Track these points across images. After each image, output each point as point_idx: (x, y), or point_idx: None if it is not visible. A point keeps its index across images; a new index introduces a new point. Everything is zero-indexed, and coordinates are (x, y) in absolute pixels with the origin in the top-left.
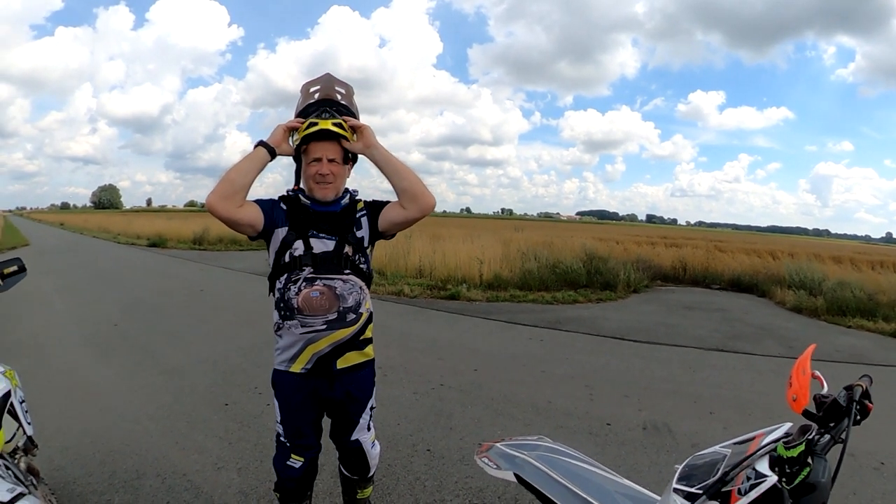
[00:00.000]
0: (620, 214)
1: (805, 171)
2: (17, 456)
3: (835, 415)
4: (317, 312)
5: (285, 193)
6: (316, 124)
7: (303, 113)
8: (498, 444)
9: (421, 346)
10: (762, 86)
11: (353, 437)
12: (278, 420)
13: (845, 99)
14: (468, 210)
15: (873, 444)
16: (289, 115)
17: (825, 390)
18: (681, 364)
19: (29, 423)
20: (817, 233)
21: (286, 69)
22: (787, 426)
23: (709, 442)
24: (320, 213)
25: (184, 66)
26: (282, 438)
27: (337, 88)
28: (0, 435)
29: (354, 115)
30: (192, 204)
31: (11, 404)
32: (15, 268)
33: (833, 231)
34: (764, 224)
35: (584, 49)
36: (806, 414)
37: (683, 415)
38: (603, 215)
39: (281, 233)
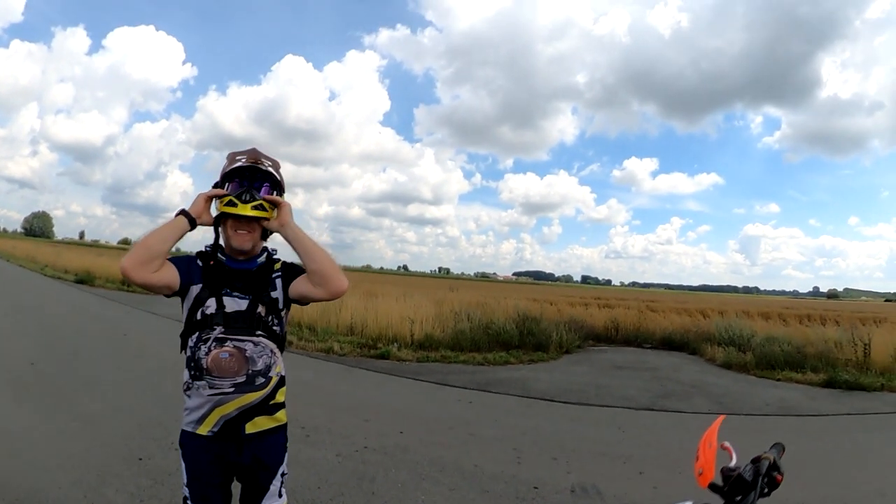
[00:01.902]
0: (556, 275)
1: (734, 233)
2: None
3: (741, 489)
4: (225, 374)
5: (202, 249)
6: (235, 205)
7: (227, 176)
8: None
9: (347, 405)
10: (693, 153)
11: None
12: (185, 482)
13: (771, 164)
14: (405, 267)
15: (803, 494)
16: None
17: (733, 462)
18: (610, 424)
19: None
20: (747, 290)
21: (235, 113)
22: (688, 503)
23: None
24: (235, 270)
25: (133, 98)
26: (188, 502)
27: (263, 159)
28: None
29: (280, 185)
30: (125, 242)
31: None
32: None
33: (762, 288)
34: (695, 283)
35: (525, 115)
36: (712, 487)
37: (613, 476)
38: (539, 276)
39: (195, 290)
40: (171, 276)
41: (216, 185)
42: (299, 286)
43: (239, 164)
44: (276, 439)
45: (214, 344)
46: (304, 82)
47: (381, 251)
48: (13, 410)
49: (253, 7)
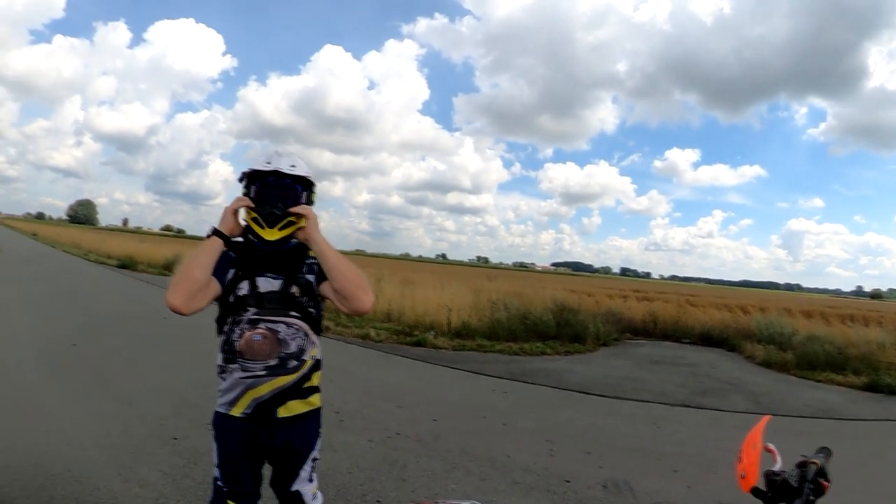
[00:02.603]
0: (595, 267)
1: (777, 227)
2: None
3: (786, 495)
4: (257, 357)
5: (230, 239)
6: (262, 227)
7: (252, 177)
8: None
9: (381, 392)
10: (736, 144)
11: (293, 489)
12: (216, 463)
13: (816, 157)
14: (444, 256)
15: (840, 501)
16: (271, 150)
17: (778, 466)
18: (646, 420)
19: None
20: (788, 287)
21: (275, 103)
22: None
23: (671, 501)
24: (268, 251)
25: (174, 90)
26: (219, 483)
27: (285, 168)
28: None
29: (309, 182)
30: (167, 228)
31: None
32: None
33: (804, 285)
34: (736, 279)
35: (565, 104)
36: (755, 492)
37: (646, 472)
38: (578, 267)
39: (229, 274)
40: (215, 289)
41: (240, 180)
42: (326, 291)
43: (262, 168)
44: (310, 424)
45: (247, 326)
46: (343, 72)
47: (420, 239)
48: (52, 389)
49: None
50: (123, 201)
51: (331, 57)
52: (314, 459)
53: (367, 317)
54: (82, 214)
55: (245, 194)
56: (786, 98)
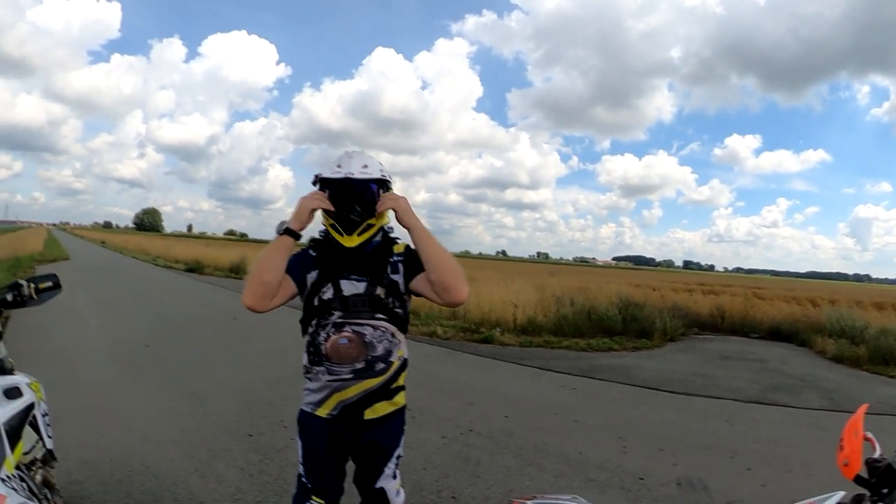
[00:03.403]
0: (657, 260)
1: (844, 214)
2: (33, 468)
3: (889, 481)
4: (343, 361)
5: (317, 236)
6: (340, 233)
7: (325, 183)
8: (530, 502)
9: (451, 389)
10: (798, 128)
11: (377, 485)
12: (300, 460)
13: (882, 139)
14: (504, 253)
15: None
16: (329, 154)
17: (878, 453)
18: (717, 417)
19: (50, 437)
20: (857, 278)
21: (330, 107)
22: (839, 495)
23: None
24: (350, 252)
25: (232, 100)
26: (303, 479)
27: (356, 171)
28: (18, 446)
29: (384, 181)
30: (231, 233)
31: (34, 416)
32: (50, 284)
33: (874, 276)
34: (803, 269)
35: (620, 94)
36: (858, 480)
37: (719, 471)
38: (639, 261)
39: (311, 277)
40: (290, 289)
41: (314, 183)
42: (419, 285)
43: (332, 175)
44: (395, 422)
45: (333, 329)
46: (395, 73)
47: (480, 236)
48: (128, 389)
49: (339, 4)
50: (187, 208)
51: (382, 59)
52: (398, 457)
53: (433, 314)
54: (148, 222)
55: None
56: (846, 77)
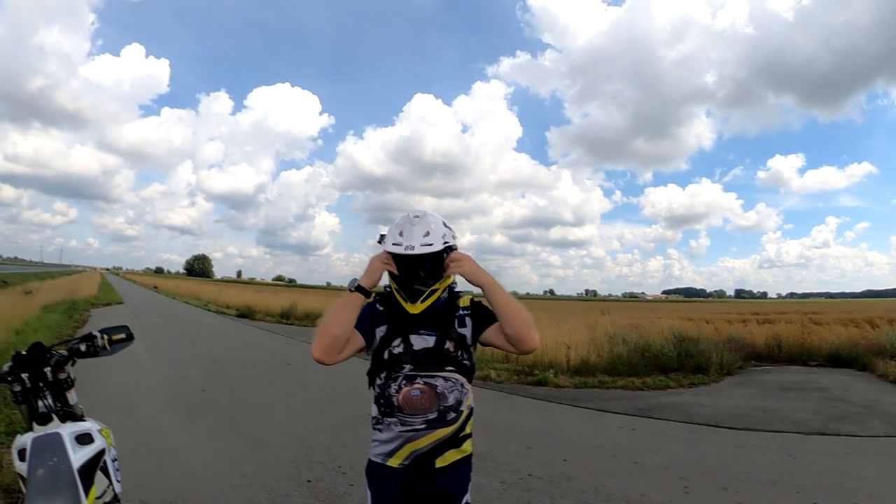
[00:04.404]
0: (708, 291)
1: None
2: None
3: None
4: (416, 412)
5: (383, 290)
6: (405, 299)
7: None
8: None
9: (509, 433)
10: (841, 142)
11: None
12: None
13: None
14: (552, 292)
15: None
16: (374, 199)
17: None
18: (780, 451)
19: (119, 482)
20: None
21: (373, 154)
22: None
23: None
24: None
25: (278, 150)
26: None
27: (419, 244)
28: (92, 491)
29: (448, 244)
30: (279, 278)
31: (104, 461)
32: (123, 335)
33: None
34: (858, 289)
35: (658, 124)
36: None
37: None
38: (690, 293)
39: (380, 332)
40: (358, 342)
41: (380, 241)
42: (491, 337)
43: (394, 250)
44: (462, 469)
45: (405, 381)
46: (435, 118)
47: (527, 276)
48: (187, 433)
49: (376, 55)
50: (236, 254)
51: (422, 105)
52: (466, 503)
53: (486, 358)
54: (198, 268)
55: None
56: (883, 84)
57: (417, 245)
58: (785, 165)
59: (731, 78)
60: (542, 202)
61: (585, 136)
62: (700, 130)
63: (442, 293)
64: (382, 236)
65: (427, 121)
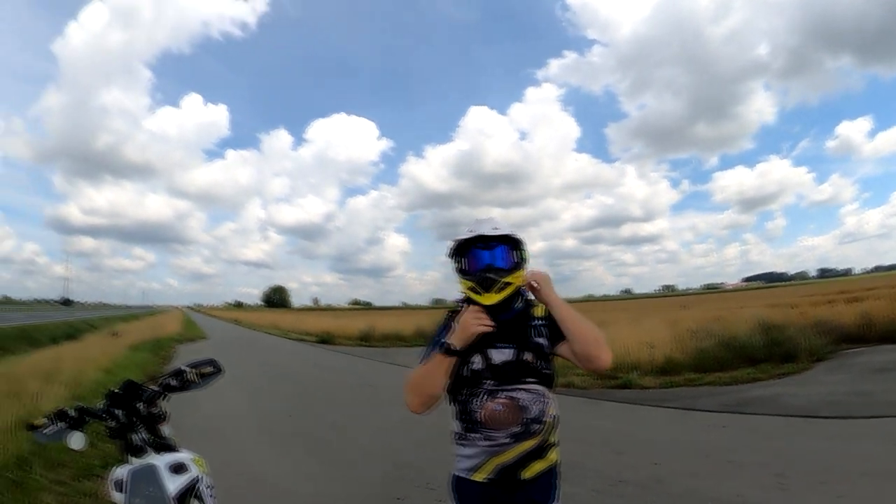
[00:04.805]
0: (789, 274)
1: None
2: None
3: None
4: (501, 426)
5: (456, 306)
6: (479, 293)
7: (459, 251)
8: None
9: (597, 439)
10: None
11: None
12: None
13: None
14: (628, 291)
15: None
16: (441, 216)
17: None
18: (882, 439)
19: None
20: None
21: (435, 172)
22: None
23: None
24: (492, 312)
25: (341, 178)
26: None
27: (486, 230)
28: None
29: (517, 241)
30: (355, 302)
31: (199, 489)
32: (211, 368)
33: None
34: None
35: (717, 105)
36: None
37: (891, 499)
38: (771, 277)
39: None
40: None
41: (450, 256)
42: (564, 350)
43: (465, 237)
44: (549, 479)
45: (487, 396)
46: (492, 129)
47: (601, 278)
48: (276, 457)
49: (426, 75)
50: (312, 283)
51: (477, 118)
52: None
53: (569, 364)
54: (276, 298)
55: (457, 269)
56: None
57: (486, 231)
58: (853, 130)
59: (783, 47)
60: (608, 200)
61: (644, 127)
62: (760, 106)
63: (515, 299)
64: (452, 248)
65: (484, 132)
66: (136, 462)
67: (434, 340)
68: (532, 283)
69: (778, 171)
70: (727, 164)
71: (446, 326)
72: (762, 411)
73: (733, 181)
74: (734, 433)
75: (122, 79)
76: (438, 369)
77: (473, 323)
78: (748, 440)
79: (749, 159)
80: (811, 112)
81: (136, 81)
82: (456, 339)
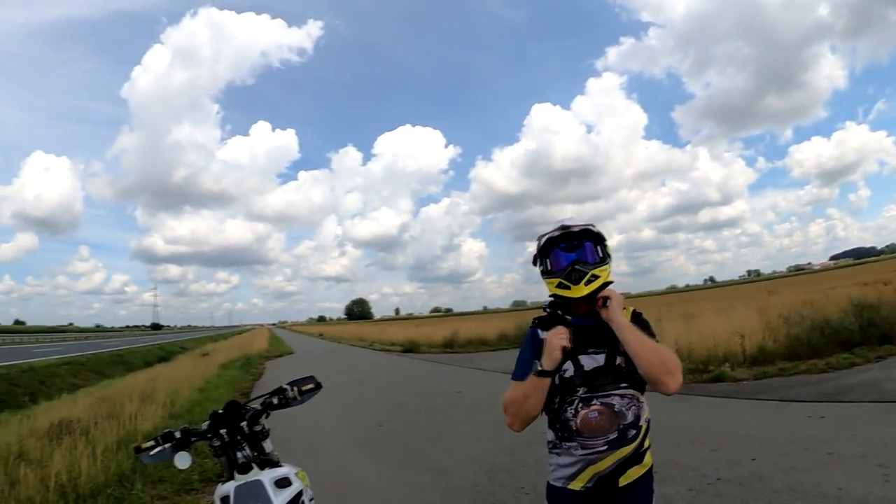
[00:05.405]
0: (878, 248)
1: None
2: None
3: None
4: (596, 434)
5: (543, 313)
6: (567, 287)
7: (543, 253)
8: None
9: (691, 437)
10: None
11: None
12: None
13: None
14: (712, 279)
15: None
16: (515, 217)
17: None
18: None
19: None
20: None
21: (505, 173)
22: None
23: None
24: (583, 327)
25: (413, 188)
26: None
27: (571, 224)
28: None
29: (600, 237)
30: (436, 310)
31: (303, 502)
32: (311, 385)
33: None
34: None
35: (784, 75)
36: None
37: None
38: (859, 253)
39: None
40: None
41: (534, 262)
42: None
43: (550, 235)
44: (646, 483)
45: (581, 404)
46: (557, 125)
47: (683, 267)
48: (370, 467)
49: (485, 78)
50: (392, 293)
51: (541, 115)
52: None
53: None
54: (358, 311)
55: (542, 271)
56: None
57: (568, 223)
58: None
59: (844, 4)
60: (683, 186)
61: (712, 107)
62: (829, 70)
63: (602, 299)
64: (536, 251)
65: (550, 129)
66: (241, 479)
67: (521, 356)
68: (605, 296)
69: (856, 138)
70: (802, 136)
71: (531, 337)
72: (861, 398)
73: (810, 154)
74: (833, 423)
75: (191, 114)
76: (534, 392)
77: (556, 342)
78: (848, 430)
79: (824, 129)
80: (882, 71)
81: (205, 115)
82: (546, 362)
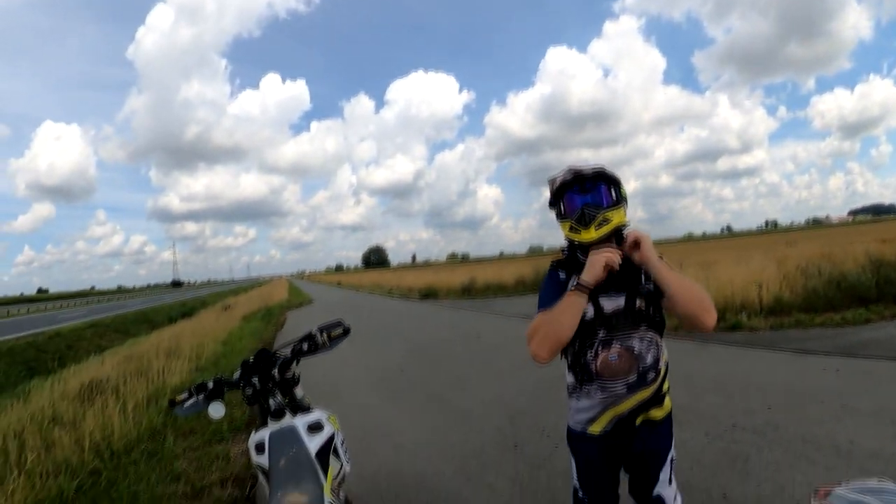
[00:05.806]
0: None
1: None
2: (341, 490)
3: None
4: (617, 376)
5: (560, 257)
6: (578, 231)
7: (556, 197)
8: (838, 489)
9: (708, 384)
10: None
11: (654, 493)
12: (575, 477)
13: None
14: (729, 228)
15: None
16: (531, 162)
17: None
18: None
19: (348, 461)
20: None
21: (520, 118)
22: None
23: None
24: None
25: (427, 135)
26: (580, 495)
27: (582, 167)
28: (329, 472)
29: (615, 179)
30: (453, 255)
31: (335, 445)
32: (340, 330)
33: None
34: None
35: (808, 22)
36: None
37: None
38: (879, 210)
39: None
40: None
41: (550, 205)
42: (667, 303)
43: (561, 179)
44: (664, 427)
45: (601, 347)
46: (574, 69)
47: (700, 215)
48: (392, 411)
49: (497, 22)
50: (408, 241)
51: (557, 59)
52: (672, 460)
53: None
54: (375, 258)
55: (557, 214)
56: None
57: (580, 166)
58: None
59: None
60: (702, 133)
61: (733, 52)
62: (854, 20)
63: (616, 240)
64: (550, 196)
65: (566, 73)
66: (274, 425)
67: (543, 291)
68: (635, 238)
69: (880, 92)
70: (825, 86)
71: (551, 277)
72: (876, 354)
73: (833, 105)
74: (848, 377)
75: (199, 71)
76: (570, 310)
77: (601, 258)
78: (863, 385)
79: (848, 80)
80: None
81: (214, 71)
82: (587, 276)
